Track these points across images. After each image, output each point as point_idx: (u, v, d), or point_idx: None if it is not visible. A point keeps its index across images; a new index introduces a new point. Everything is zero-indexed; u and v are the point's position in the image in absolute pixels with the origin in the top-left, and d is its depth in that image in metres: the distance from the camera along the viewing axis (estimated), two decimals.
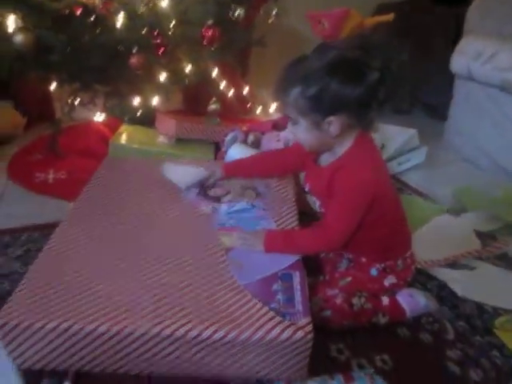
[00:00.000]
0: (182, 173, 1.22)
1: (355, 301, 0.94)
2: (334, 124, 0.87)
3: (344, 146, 0.92)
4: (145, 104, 1.75)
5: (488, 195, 1.54)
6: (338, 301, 0.93)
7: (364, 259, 0.99)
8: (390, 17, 2.06)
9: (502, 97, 1.70)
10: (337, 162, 0.92)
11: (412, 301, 0.99)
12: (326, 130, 0.88)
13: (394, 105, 0.87)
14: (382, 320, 0.96)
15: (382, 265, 0.98)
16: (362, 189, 0.89)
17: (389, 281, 0.99)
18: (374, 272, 0.98)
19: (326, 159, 0.97)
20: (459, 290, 1.08)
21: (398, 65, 0.83)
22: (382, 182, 0.92)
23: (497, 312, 1.03)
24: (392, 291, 1.00)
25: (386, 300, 0.98)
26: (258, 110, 2.18)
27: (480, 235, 1.32)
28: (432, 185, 1.65)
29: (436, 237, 1.26)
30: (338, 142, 0.91)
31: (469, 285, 1.10)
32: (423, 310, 1.01)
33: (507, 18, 1.77)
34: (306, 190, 1.04)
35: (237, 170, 1.21)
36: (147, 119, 1.79)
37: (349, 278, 0.98)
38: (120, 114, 1.79)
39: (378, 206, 0.91)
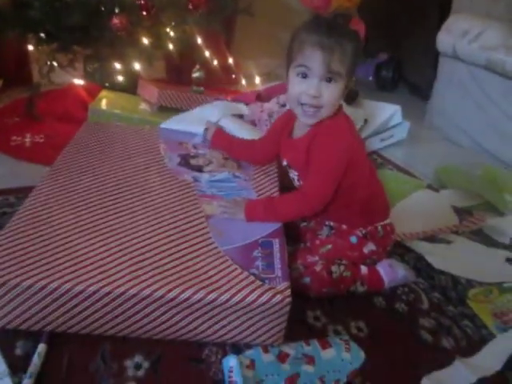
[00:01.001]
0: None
1: (334, 268, 0.95)
2: (350, 84, 0.92)
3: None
4: (127, 69, 1.70)
5: (467, 173, 1.56)
6: (318, 268, 0.94)
7: (345, 226, 1.00)
8: None
9: (485, 77, 1.72)
10: (312, 131, 0.93)
11: (391, 271, 1.00)
12: (346, 90, 0.92)
13: None
14: (360, 289, 0.97)
15: (363, 231, 0.99)
16: (338, 151, 0.91)
17: (368, 248, 1.00)
18: (354, 239, 0.99)
19: (300, 131, 0.98)
20: (435, 263, 1.10)
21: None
22: (355, 146, 0.94)
23: (470, 284, 1.06)
24: (372, 260, 1.01)
25: (364, 269, 0.99)
26: (243, 81, 2.15)
27: (457, 211, 1.34)
28: (413, 162, 1.67)
29: (415, 211, 1.28)
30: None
31: (445, 258, 1.12)
32: (401, 281, 1.03)
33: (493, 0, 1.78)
34: (284, 164, 1.04)
35: (222, 145, 1.22)
36: (129, 86, 1.75)
37: (329, 246, 0.98)
38: (100, 79, 1.74)
39: (354, 170, 0.93)
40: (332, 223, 1.02)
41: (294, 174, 1.02)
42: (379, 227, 1.00)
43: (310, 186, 0.94)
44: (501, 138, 1.70)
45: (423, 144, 1.84)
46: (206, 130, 1.27)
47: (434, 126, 1.96)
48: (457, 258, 1.13)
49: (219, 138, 1.23)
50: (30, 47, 1.66)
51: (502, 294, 1.01)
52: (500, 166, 1.65)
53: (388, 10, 2.30)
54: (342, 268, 0.96)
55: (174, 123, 1.38)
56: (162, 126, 1.37)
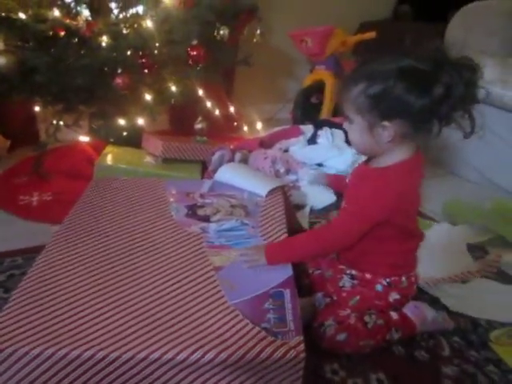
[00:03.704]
0: (259, 180, 1.32)
1: (367, 319, 0.93)
2: (387, 130, 0.84)
3: (392, 158, 0.89)
4: (131, 125, 1.74)
5: (477, 208, 1.54)
6: (352, 321, 0.92)
7: (368, 275, 0.97)
8: (373, 34, 2.10)
9: (485, 110, 1.71)
10: (363, 170, 0.95)
11: (418, 312, 0.98)
12: (378, 134, 0.86)
13: (455, 122, 0.85)
14: (395, 336, 0.94)
15: (388, 280, 0.96)
16: (372, 205, 0.88)
17: (393, 297, 0.97)
18: (379, 288, 0.96)
19: (374, 162, 0.94)
20: (452, 305, 1.07)
21: (466, 83, 0.81)
22: (396, 206, 0.89)
23: (491, 325, 1.02)
24: (395, 308, 0.98)
25: (394, 315, 0.96)
26: (245, 128, 2.19)
27: (470, 247, 1.32)
28: (421, 199, 1.65)
29: (432, 253, 1.22)
30: (387, 151, 0.89)
31: (461, 299, 1.09)
32: (434, 326, 0.99)
33: (487, 34, 1.82)
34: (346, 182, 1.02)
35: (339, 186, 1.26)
36: (133, 140, 1.78)
37: (357, 297, 0.96)
38: (105, 135, 1.77)
39: (392, 227, 0.91)
40: (354, 272, 0.99)
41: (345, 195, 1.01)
42: (403, 278, 0.97)
43: (337, 222, 0.95)
44: (507, 169, 1.69)
45: (430, 180, 1.82)
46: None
47: (440, 162, 1.96)
48: (474, 299, 1.09)
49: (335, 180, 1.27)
50: (37, 108, 1.70)
51: None
52: (509, 198, 1.62)
53: (383, 51, 2.35)
54: (374, 317, 0.93)
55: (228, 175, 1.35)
56: (216, 177, 1.34)
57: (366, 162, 0.96)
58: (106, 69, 1.54)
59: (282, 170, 1.60)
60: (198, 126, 1.79)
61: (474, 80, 0.81)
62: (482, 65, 1.65)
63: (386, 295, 0.97)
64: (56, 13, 1.50)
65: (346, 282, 1.00)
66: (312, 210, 1.54)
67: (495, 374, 0.90)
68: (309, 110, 2.19)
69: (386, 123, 0.84)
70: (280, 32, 2.25)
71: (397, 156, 0.88)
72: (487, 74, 1.62)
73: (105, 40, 1.51)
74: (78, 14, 1.54)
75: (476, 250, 1.31)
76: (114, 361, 0.71)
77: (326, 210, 1.53)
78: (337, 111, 2.18)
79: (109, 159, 1.65)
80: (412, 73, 0.81)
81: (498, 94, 1.63)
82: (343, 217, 0.95)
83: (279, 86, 2.53)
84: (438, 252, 1.27)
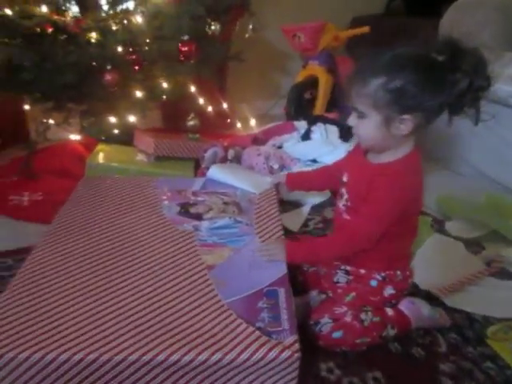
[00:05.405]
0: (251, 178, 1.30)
1: (363, 316, 0.92)
2: (406, 123, 0.82)
3: (399, 152, 0.87)
4: (122, 122, 1.71)
5: (471, 202, 1.53)
6: (348, 319, 0.91)
7: (363, 271, 0.96)
8: (366, 29, 2.08)
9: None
10: (377, 168, 0.89)
11: (414, 307, 0.97)
12: (395, 127, 0.83)
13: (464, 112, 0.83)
14: (391, 332, 0.93)
15: (382, 274, 0.95)
16: (395, 201, 0.86)
17: (388, 291, 0.96)
18: (373, 283, 0.95)
19: (375, 156, 0.91)
20: (448, 301, 1.06)
21: (486, 75, 0.79)
22: (414, 199, 0.89)
23: (488, 321, 1.01)
24: (391, 304, 0.97)
25: (390, 311, 0.95)
26: (238, 125, 2.17)
27: (467, 243, 1.31)
28: None
29: (437, 260, 1.23)
30: (397, 144, 0.86)
31: (458, 294, 1.08)
32: (431, 323, 0.98)
33: (478, 28, 1.81)
34: (344, 180, 0.97)
35: (300, 183, 1.18)
36: (125, 138, 1.75)
37: (353, 293, 0.95)
38: (96, 133, 1.75)
39: (399, 224, 0.89)
40: (348, 268, 0.98)
41: (344, 193, 0.96)
42: (398, 272, 0.96)
43: (356, 226, 0.90)
44: (500, 163, 1.68)
45: (425, 176, 1.81)
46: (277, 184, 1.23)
47: (434, 157, 1.95)
48: (470, 294, 1.09)
49: (294, 180, 1.18)
50: (27, 107, 1.68)
51: None
52: (502, 192, 1.62)
53: (375, 45, 2.34)
54: (370, 314, 0.92)
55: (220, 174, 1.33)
56: (208, 175, 1.33)
57: (364, 155, 0.93)
58: (94, 65, 1.51)
59: (275, 167, 1.58)
60: (190, 123, 1.77)
61: (487, 70, 0.80)
62: None
63: (380, 290, 0.95)
64: (43, 9, 1.47)
65: (340, 277, 0.98)
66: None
67: (492, 370, 0.89)
68: (302, 106, 2.17)
69: (406, 116, 0.81)
70: (273, 27, 2.22)
71: (405, 149, 0.87)
72: None
73: (93, 36, 1.48)
74: (66, 10, 1.51)
75: (472, 246, 1.30)
76: (104, 364, 0.70)
77: (321, 206, 1.52)
78: (330, 107, 2.16)
79: (100, 157, 1.63)
80: (434, 65, 0.79)
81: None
82: (362, 220, 0.89)
83: (273, 81, 2.51)
84: (441, 259, 1.25)
